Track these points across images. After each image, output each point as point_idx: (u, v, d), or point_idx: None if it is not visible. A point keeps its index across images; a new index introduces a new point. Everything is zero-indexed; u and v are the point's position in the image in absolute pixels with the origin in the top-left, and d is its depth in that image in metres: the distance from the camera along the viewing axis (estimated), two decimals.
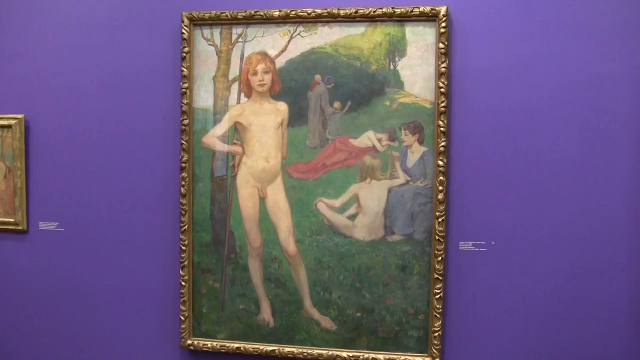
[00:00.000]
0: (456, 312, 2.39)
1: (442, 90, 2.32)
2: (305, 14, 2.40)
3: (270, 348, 2.49)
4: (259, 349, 2.50)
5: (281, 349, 2.47)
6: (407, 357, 2.42)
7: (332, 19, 2.40)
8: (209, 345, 2.56)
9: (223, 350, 2.52)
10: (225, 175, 2.49)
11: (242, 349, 2.51)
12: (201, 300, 2.54)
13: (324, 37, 2.41)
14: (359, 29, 2.41)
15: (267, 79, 2.46)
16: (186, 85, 2.47)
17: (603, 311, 2.32)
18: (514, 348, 2.38)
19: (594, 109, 2.28)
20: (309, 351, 2.46)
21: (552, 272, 2.34)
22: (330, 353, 2.45)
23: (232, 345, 2.52)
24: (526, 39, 2.30)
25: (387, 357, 2.43)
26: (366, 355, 2.44)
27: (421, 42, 2.35)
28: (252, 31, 2.47)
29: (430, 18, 2.33)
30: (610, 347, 2.34)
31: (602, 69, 2.27)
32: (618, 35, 2.25)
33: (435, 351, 2.39)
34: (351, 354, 2.46)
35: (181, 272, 2.52)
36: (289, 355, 2.45)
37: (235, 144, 2.48)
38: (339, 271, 2.45)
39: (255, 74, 2.47)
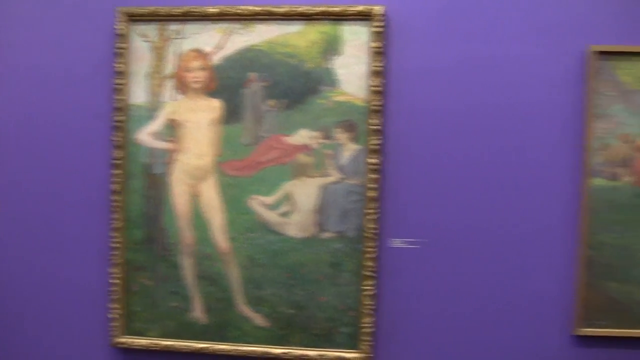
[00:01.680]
0: (388, 308, 2.49)
1: (376, 89, 2.41)
2: (242, 11, 2.46)
3: (201, 345, 2.54)
4: (189, 346, 2.54)
5: (212, 346, 2.53)
6: (338, 353, 2.49)
7: (268, 16, 2.46)
8: (140, 343, 2.57)
9: (153, 348, 2.56)
10: (159, 172, 2.54)
11: (172, 346, 2.55)
12: (133, 298, 2.57)
13: (261, 34, 2.48)
14: (295, 27, 2.47)
15: (202, 75, 2.51)
16: (121, 82, 2.50)
17: (532, 310, 2.47)
18: (445, 344, 2.50)
19: (527, 110, 2.42)
20: (241, 348, 2.51)
21: (483, 270, 2.46)
22: (262, 350, 2.50)
23: (163, 342, 2.54)
24: (463, 39, 2.41)
25: (319, 353, 2.50)
26: (297, 352, 2.49)
27: (357, 41, 2.44)
28: (188, 28, 2.52)
29: (365, 17, 2.42)
30: (538, 346, 2.49)
31: (537, 71, 2.42)
32: (552, 38, 2.41)
33: (365, 347, 2.48)
34: (283, 351, 2.51)
35: (113, 270, 2.55)
36: (221, 353, 2.51)
37: (169, 140, 2.51)
38: (271, 268, 2.52)
39: (190, 70, 2.51)
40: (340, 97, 2.48)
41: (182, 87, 2.53)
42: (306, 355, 2.51)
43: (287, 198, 2.52)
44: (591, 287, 2.49)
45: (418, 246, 2.50)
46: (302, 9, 2.42)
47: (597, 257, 2.49)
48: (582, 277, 2.47)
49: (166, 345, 2.56)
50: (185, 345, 2.56)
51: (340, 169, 2.51)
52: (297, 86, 2.48)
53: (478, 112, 2.45)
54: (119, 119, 2.51)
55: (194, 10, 2.48)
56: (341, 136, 2.52)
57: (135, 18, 2.51)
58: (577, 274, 2.48)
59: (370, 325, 2.50)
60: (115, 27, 2.50)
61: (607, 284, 2.50)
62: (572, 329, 2.50)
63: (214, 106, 2.52)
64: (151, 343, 2.57)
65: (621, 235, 2.48)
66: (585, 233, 2.47)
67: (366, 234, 2.46)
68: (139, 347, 2.57)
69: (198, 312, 2.57)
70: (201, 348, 2.56)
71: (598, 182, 2.49)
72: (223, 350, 2.54)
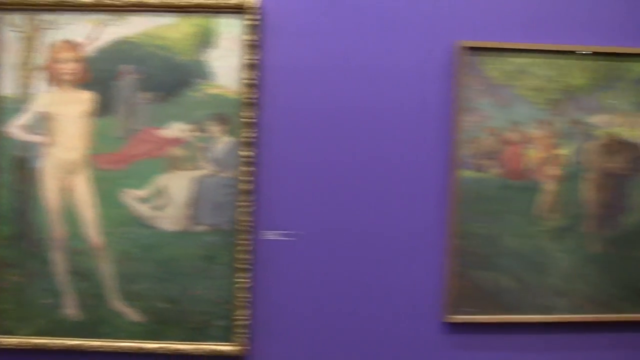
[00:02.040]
0: (262, 301, 2.52)
1: (249, 82, 2.43)
2: (116, 2, 2.42)
3: (73, 342, 2.49)
4: (62, 343, 2.49)
5: (86, 342, 2.49)
6: (213, 346, 2.51)
7: (142, 8, 2.44)
8: (10, 342, 2.51)
9: (24, 347, 2.50)
10: (30, 166, 2.48)
11: (44, 344, 2.50)
12: (3, 296, 2.50)
13: (135, 26, 2.45)
14: (169, 19, 2.47)
15: (74, 67, 2.47)
16: None
17: (404, 299, 2.55)
18: (320, 335, 2.55)
19: (397, 104, 2.49)
20: (115, 344, 2.49)
21: (357, 261, 2.52)
22: (137, 345, 2.49)
23: (34, 341, 2.49)
24: (336, 33, 2.45)
25: (194, 347, 2.51)
26: (172, 346, 2.50)
27: (231, 33, 2.45)
28: (60, 18, 2.47)
29: (239, 10, 2.42)
30: (410, 334, 2.57)
31: (406, 65, 2.49)
32: (421, 33, 2.49)
33: (241, 340, 2.50)
34: (157, 346, 2.50)
35: None
36: (94, 350, 2.49)
37: (40, 133, 2.46)
38: (145, 263, 2.50)
39: (62, 62, 2.47)
40: (214, 89, 2.49)
41: (54, 78, 2.49)
42: (181, 350, 2.51)
43: (161, 191, 2.52)
44: (460, 275, 2.58)
45: (292, 238, 2.54)
46: (176, 1, 2.41)
47: (465, 246, 2.57)
48: (451, 266, 2.57)
49: (37, 344, 2.51)
50: (57, 343, 2.51)
51: (214, 161, 2.53)
52: (170, 79, 2.47)
53: (350, 106, 2.51)
54: None
55: (67, 0, 2.39)
56: (214, 129, 2.53)
57: (4, 7, 2.44)
58: (446, 263, 2.57)
59: (245, 317, 2.52)
60: None
61: (475, 273, 2.60)
62: (442, 316, 2.59)
63: (85, 99, 2.49)
64: (22, 342, 2.51)
65: (488, 225, 2.59)
66: (454, 223, 2.55)
67: (240, 227, 2.48)
68: (9, 347, 2.52)
69: (71, 309, 2.54)
70: (74, 345, 2.51)
71: (466, 174, 2.58)
72: (97, 346, 2.51)
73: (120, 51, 2.47)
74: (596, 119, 2.62)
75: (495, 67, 2.57)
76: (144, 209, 2.55)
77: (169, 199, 2.54)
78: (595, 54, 2.59)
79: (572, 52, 2.58)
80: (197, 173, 2.54)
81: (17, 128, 2.49)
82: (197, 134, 2.51)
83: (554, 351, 2.67)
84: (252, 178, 2.47)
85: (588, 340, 2.68)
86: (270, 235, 2.54)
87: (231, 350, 2.46)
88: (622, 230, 2.65)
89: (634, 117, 2.63)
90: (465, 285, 2.60)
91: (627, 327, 2.66)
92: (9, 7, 2.43)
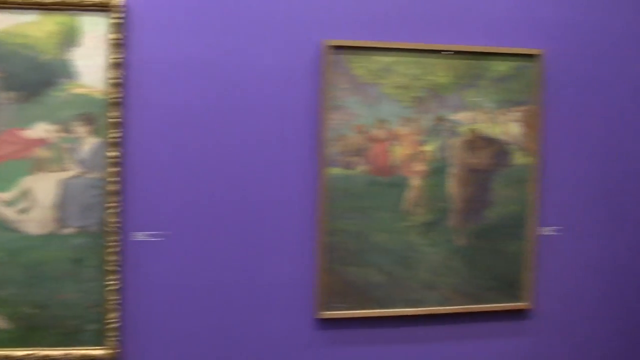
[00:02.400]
0: (133, 303, 2.48)
1: (115, 81, 2.41)
2: None
3: None
4: None
5: None
6: (84, 351, 2.46)
7: (2, 4, 2.34)
8: None
9: None
10: None
11: None
12: None
13: None
14: (31, 17, 2.42)
15: None
16: None
17: (276, 296, 2.77)
18: (193, 334, 2.70)
19: (266, 103, 2.65)
20: None
21: (228, 260, 2.59)
22: (3, 353, 2.36)
23: None
24: (202, 32, 2.51)
25: (64, 352, 2.47)
26: (41, 353, 2.43)
27: (96, 32, 2.43)
28: None
29: (104, 8, 2.39)
30: (283, 331, 2.82)
31: (274, 64, 2.71)
32: (288, 32, 2.72)
33: (112, 343, 2.47)
34: (26, 352, 2.45)
35: None
36: None
37: None
38: (10, 267, 2.43)
39: None
40: (79, 89, 2.46)
41: None
42: (51, 356, 2.41)
43: (26, 194, 2.48)
44: (331, 271, 2.83)
45: (161, 239, 2.69)
46: None
47: (335, 243, 2.83)
48: (321, 262, 2.80)
49: None
50: None
51: (80, 162, 2.50)
52: (34, 78, 2.40)
53: (218, 105, 2.68)
54: None
55: None
56: (80, 129, 2.52)
57: None
58: (317, 260, 2.81)
59: (116, 320, 2.47)
60: None
61: (346, 268, 2.86)
62: (315, 312, 2.83)
63: None
64: None
65: (357, 222, 2.85)
66: (324, 220, 2.80)
67: (108, 229, 2.46)
68: None
69: None
70: None
71: (335, 171, 2.83)
72: None
73: None
74: (460, 116, 2.95)
75: (361, 66, 2.82)
76: (8, 212, 2.61)
77: (35, 201, 2.50)
78: (458, 52, 2.89)
79: (436, 51, 2.87)
80: (63, 174, 2.52)
81: None
82: (63, 134, 2.47)
83: (426, 343, 2.96)
84: (119, 179, 2.43)
85: (458, 331, 2.99)
86: (139, 236, 2.53)
87: (103, 354, 2.43)
88: (486, 223, 2.98)
89: (495, 114, 2.97)
90: (336, 281, 2.84)
91: (493, 316, 3.00)
92: None
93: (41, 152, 2.57)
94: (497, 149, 2.98)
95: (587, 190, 3.08)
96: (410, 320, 2.90)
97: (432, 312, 2.89)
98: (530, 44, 2.94)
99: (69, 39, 2.58)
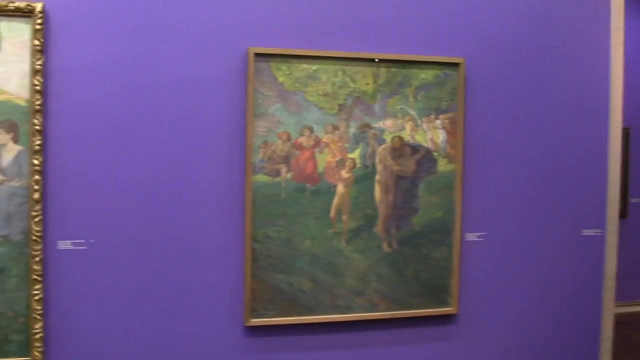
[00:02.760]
0: (58, 312, 2.58)
1: (37, 88, 2.52)
2: None
3: None
4: None
5: None
6: None
7: None
8: None
9: None
10: None
11: None
12: None
13: None
14: None
15: None
16: None
17: (205, 304, 2.88)
18: (119, 343, 2.75)
19: (191, 110, 2.73)
20: None
21: (155, 268, 2.74)
22: None
23: None
24: (125, 38, 2.61)
25: None
26: None
27: (17, 38, 2.52)
28: None
29: (25, 14, 2.49)
30: (213, 339, 3.00)
31: (200, 71, 2.80)
32: (214, 39, 2.86)
33: (37, 353, 2.57)
34: None
35: None
36: None
37: None
38: None
39: None
40: (0, 96, 2.53)
41: None
42: None
43: None
44: (258, 279, 3.03)
45: (86, 247, 2.66)
46: None
47: (263, 250, 3.05)
48: (249, 270, 2.98)
49: None
50: None
51: (2, 171, 2.56)
52: None
53: (143, 112, 2.68)
54: None
55: None
56: (2, 137, 2.57)
57: None
58: (244, 267, 2.98)
59: (41, 330, 2.56)
60: None
61: (273, 276, 3.07)
62: (243, 320, 3.01)
63: None
64: None
65: (284, 229, 3.08)
66: (250, 228, 3.01)
67: (32, 237, 2.56)
68: None
69: None
70: None
71: (261, 178, 3.05)
72: None
73: None
74: (385, 124, 3.23)
75: (286, 74, 3.01)
76: None
77: None
78: (382, 61, 3.18)
79: (360, 59, 3.12)
80: None
81: None
82: None
83: (354, 349, 3.16)
84: (42, 187, 2.53)
85: (386, 337, 3.21)
86: (63, 244, 2.62)
87: None
88: (412, 230, 3.26)
89: (419, 121, 3.26)
90: (264, 288, 3.03)
91: (420, 322, 3.23)
92: None
93: None
94: (422, 156, 3.24)
95: (509, 196, 3.21)
96: (339, 327, 3.02)
97: (360, 319, 3.02)
98: (452, 52, 3.20)
99: None
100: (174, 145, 2.72)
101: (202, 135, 2.76)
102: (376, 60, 2.96)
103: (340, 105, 3.05)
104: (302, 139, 3.00)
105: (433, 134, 3.26)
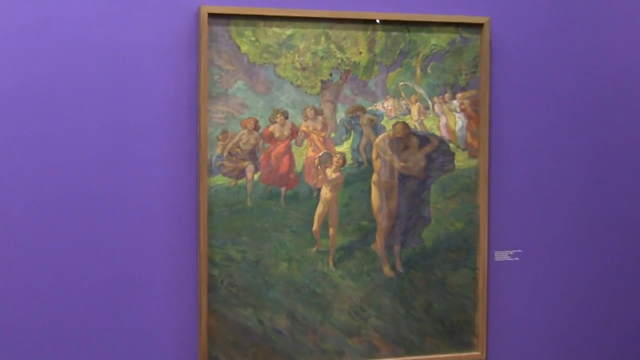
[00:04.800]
0: None
1: None
2: None
3: None
4: None
5: None
6: None
7: None
8: None
9: None
10: None
11: None
12: None
13: None
14: None
15: None
16: None
17: (155, 352, 2.96)
18: None
19: (133, 91, 2.82)
20: None
21: (85, 300, 2.83)
22: None
23: None
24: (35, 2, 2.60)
25: None
26: None
27: None
28: None
29: None
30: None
31: (145, 37, 2.81)
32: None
33: None
34: None
35: None
36: None
37: None
38: None
39: None
40: None
41: None
42: None
43: None
44: (218, 315, 2.93)
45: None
46: None
47: (223, 276, 3.00)
48: (205, 303, 2.87)
49: None
50: None
51: None
52: None
53: (51, 91, 2.67)
54: None
55: None
56: None
57: None
58: (199, 300, 2.89)
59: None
60: None
61: (238, 311, 3.01)
62: None
63: None
64: None
65: (250, 248, 3.08)
66: (206, 247, 2.95)
67: None
68: None
69: None
70: None
71: (219, 181, 3.03)
72: None
73: None
74: (383, 106, 3.24)
75: (251, 41, 2.89)
76: None
77: None
78: (383, 22, 3.15)
79: (350, 20, 2.99)
80: None
81: None
82: None
83: None
84: None
85: None
86: None
87: None
88: (420, 247, 3.28)
89: (428, 102, 3.26)
90: (225, 328, 2.92)
91: None
92: None
93: None
94: (434, 148, 3.26)
95: (551, 200, 3.24)
96: None
97: None
98: (472, 10, 3.10)
99: None
100: (103, 138, 2.75)
101: (139, 126, 2.79)
102: (377, 21, 3.03)
103: (323, 82, 3.04)
104: (273, 128, 3.03)
105: (448, 119, 3.29)
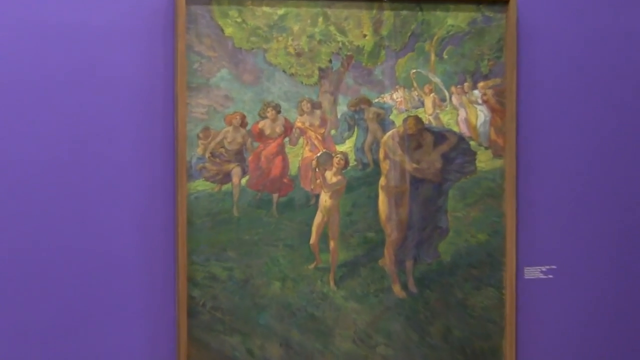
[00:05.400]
0: None
1: None
2: None
3: None
4: None
5: None
6: None
7: None
8: None
9: None
10: None
11: None
12: None
13: None
14: None
15: None
16: None
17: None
18: None
19: (99, 81, 2.81)
20: None
21: (53, 326, 2.78)
22: None
23: None
24: None
25: None
26: None
27: None
28: None
29: None
30: None
31: (113, 20, 2.82)
32: None
33: None
34: None
35: None
36: None
37: None
38: None
39: None
40: None
41: None
42: None
43: None
44: (200, 343, 2.93)
45: None
46: None
47: (206, 298, 2.97)
48: (184, 330, 2.88)
49: None
50: None
51: None
52: None
53: (18, 83, 2.67)
54: None
55: None
56: None
57: None
58: (177, 326, 2.94)
59: None
60: None
61: (224, 338, 2.97)
62: None
63: None
64: None
65: (238, 265, 3.01)
66: (185, 264, 2.91)
67: None
68: None
69: None
70: None
71: (200, 186, 2.99)
72: None
73: None
74: (391, 98, 3.15)
75: (237, 22, 2.94)
76: None
77: None
78: (392, 0, 3.01)
79: None
80: None
81: None
82: None
83: None
84: None
85: None
86: None
87: None
88: (437, 262, 3.17)
89: (444, 93, 3.16)
90: (209, 358, 2.96)
91: None
92: None
93: None
94: (452, 146, 3.16)
95: (591, 208, 3.22)
96: None
97: None
98: None
99: None
100: (57, 138, 2.72)
101: (106, 123, 2.77)
102: None
103: (321, 70, 3.03)
104: (263, 124, 3.01)
105: (468, 113, 3.20)
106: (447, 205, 3.19)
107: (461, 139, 3.18)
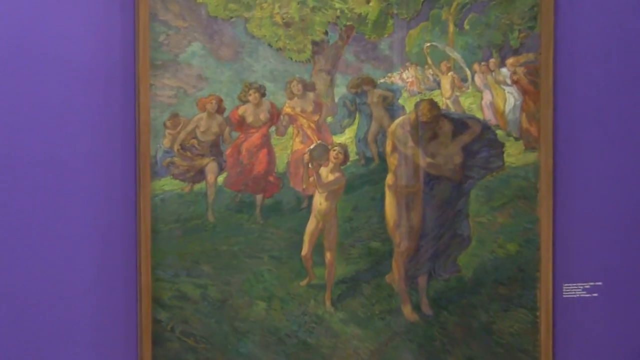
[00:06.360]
0: None
1: None
2: None
3: None
4: None
5: None
6: None
7: None
8: None
9: None
10: None
11: None
12: None
13: None
14: None
15: None
16: None
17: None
18: None
19: (48, 59, 2.78)
20: None
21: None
22: None
23: None
24: None
25: None
26: None
27: None
28: None
29: None
30: None
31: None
32: None
33: None
34: None
35: None
36: None
37: None
38: None
39: None
40: None
41: None
42: None
43: None
44: None
45: None
46: None
47: (174, 322, 2.90)
48: (149, 358, 2.83)
49: None
50: None
51: None
52: None
53: None
54: None
55: None
56: None
57: None
58: (140, 356, 2.87)
59: None
60: None
61: None
62: None
63: None
64: None
65: (214, 282, 2.93)
66: (149, 280, 2.84)
67: None
68: None
69: None
70: None
71: (167, 185, 2.90)
72: None
73: None
74: (400, 78, 3.03)
75: None
76: None
77: None
78: None
79: None
80: None
81: None
82: None
83: None
84: None
85: None
86: None
87: None
88: (457, 278, 3.07)
89: (465, 71, 3.05)
90: None
91: None
92: None
93: None
94: (474, 138, 3.06)
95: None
96: None
97: None
98: None
99: None
100: (10, 127, 2.71)
101: (53, 109, 2.72)
102: None
103: (315, 43, 2.93)
104: (244, 110, 2.91)
105: (494, 96, 3.06)
106: (468, 208, 3.08)
107: (486, 127, 3.07)
